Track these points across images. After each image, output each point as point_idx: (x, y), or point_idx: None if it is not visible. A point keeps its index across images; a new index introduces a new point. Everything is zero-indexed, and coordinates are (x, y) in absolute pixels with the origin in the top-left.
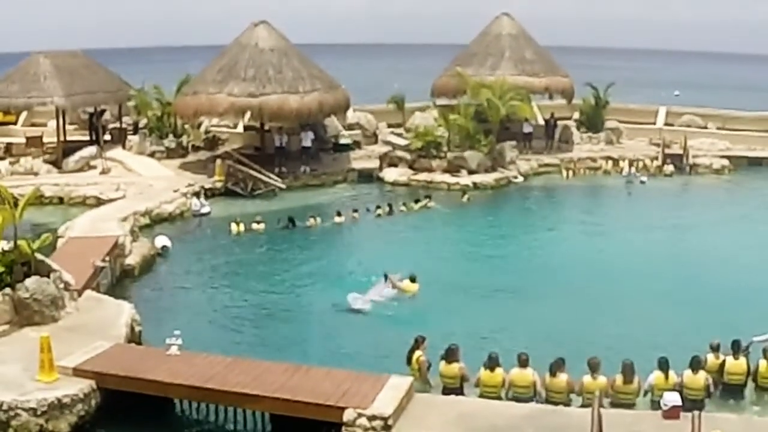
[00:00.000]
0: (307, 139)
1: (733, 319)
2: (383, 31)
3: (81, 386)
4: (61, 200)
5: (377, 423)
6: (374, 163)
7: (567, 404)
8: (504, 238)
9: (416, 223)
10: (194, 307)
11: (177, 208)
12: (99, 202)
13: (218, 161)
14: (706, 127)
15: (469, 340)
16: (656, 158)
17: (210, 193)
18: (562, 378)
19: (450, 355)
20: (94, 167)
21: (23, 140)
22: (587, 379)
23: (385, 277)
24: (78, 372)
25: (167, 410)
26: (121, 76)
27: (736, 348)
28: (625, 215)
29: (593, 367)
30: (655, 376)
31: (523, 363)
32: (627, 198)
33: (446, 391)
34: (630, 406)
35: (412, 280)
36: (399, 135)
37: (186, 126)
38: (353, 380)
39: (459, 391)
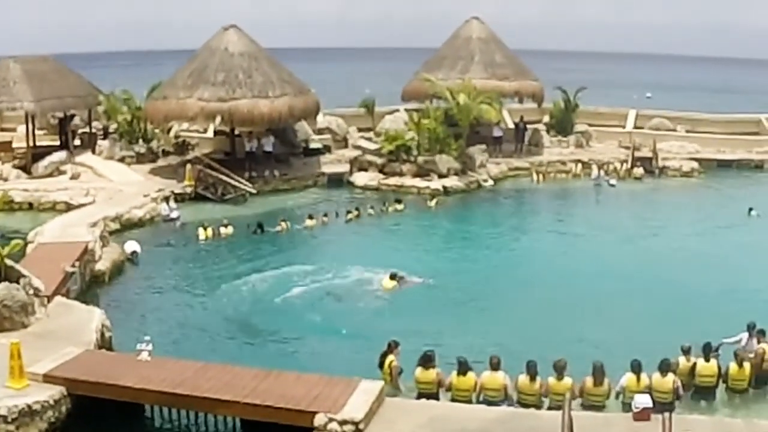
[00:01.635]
0: (269, 144)
1: (702, 322)
2: (354, 35)
3: (51, 392)
4: (30, 206)
5: (348, 427)
6: (344, 168)
7: (539, 407)
8: (473, 242)
9: (386, 227)
10: (164, 313)
11: (147, 213)
12: (69, 207)
13: (188, 166)
14: (675, 130)
15: (439, 343)
16: (626, 161)
17: (180, 198)
18: (539, 381)
19: (427, 361)
20: (64, 172)
21: None
22: (552, 380)
23: (394, 277)
24: (48, 378)
25: (138, 416)
26: (91, 81)
27: (707, 350)
28: (594, 219)
29: (559, 369)
30: (627, 378)
31: (494, 366)
32: (596, 201)
33: (421, 396)
34: (600, 408)
35: (392, 277)
36: (369, 139)
37: (156, 131)
38: (324, 384)
39: (435, 397)
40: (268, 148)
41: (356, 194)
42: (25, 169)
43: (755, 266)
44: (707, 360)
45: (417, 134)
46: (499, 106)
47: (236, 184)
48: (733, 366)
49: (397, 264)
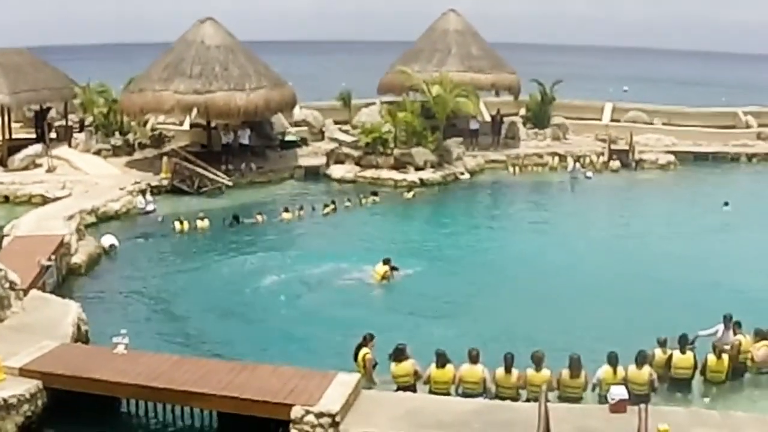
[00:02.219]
0: (245, 137)
1: (678, 314)
2: (331, 28)
3: (27, 386)
4: (6, 199)
5: (325, 420)
6: (321, 160)
7: (516, 399)
8: (450, 235)
9: (362, 220)
10: (140, 306)
11: (123, 206)
12: (45, 200)
13: (165, 159)
14: (652, 123)
15: (416, 336)
16: (602, 154)
17: (156, 191)
18: (515, 373)
19: (399, 355)
20: (40, 165)
21: None
22: (530, 372)
23: (387, 262)
24: (24, 372)
25: (114, 409)
26: (69, 74)
27: (683, 342)
28: (570, 212)
29: (537, 361)
30: (604, 371)
31: (473, 359)
32: (572, 194)
33: (399, 390)
34: (577, 400)
35: (385, 262)
36: (346, 132)
37: (132, 123)
38: (300, 377)
39: (412, 389)
40: (245, 140)
41: (333, 187)
42: (1, 162)
43: (730, 259)
44: (683, 352)
45: (393, 127)
46: (477, 99)
47: (213, 176)
48: (711, 357)
49: (373, 257)
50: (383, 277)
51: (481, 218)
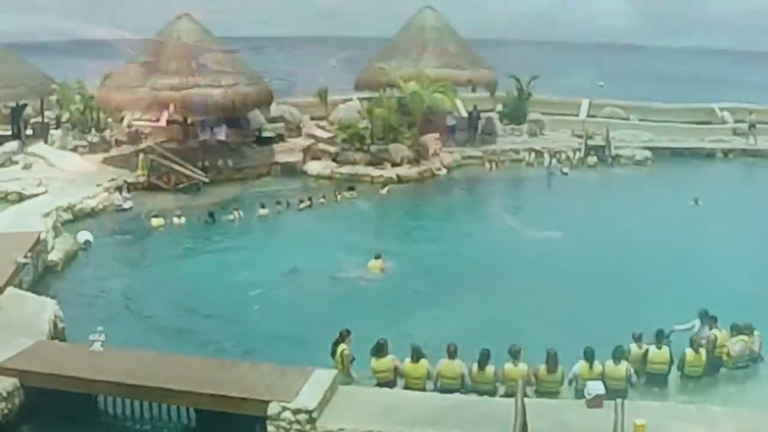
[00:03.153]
0: (222, 133)
1: (654, 309)
2: (307, 23)
3: (4, 384)
4: None
5: (302, 416)
6: (298, 157)
7: (492, 394)
8: (424, 231)
9: (338, 216)
10: (117, 303)
11: (100, 203)
12: (21, 197)
13: (141, 155)
14: (628, 119)
15: (394, 331)
16: (579, 150)
17: (133, 188)
18: (491, 369)
19: (380, 350)
20: (16, 162)
21: None
22: (508, 366)
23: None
24: (0, 370)
25: (92, 407)
26: (46, 70)
27: (660, 337)
28: (546, 207)
29: (514, 354)
30: (580, 366)
31: (451, 354)
32: (548, 189)
33: (379, 385)
34: (554, 395)
35: (377, 257)
36: (323, 128)
37: (109, 120)
38: (278, 374)
39: (393, 385)
40: (221, 137)
41: (310, 183)
42: None
43: (704, 255)
44: (659, 347)
45: (370, 123)
46: (453, 95)
47: (189, 173)
48: (689, 352)
49: (349, 252)
50: (381, 269)
51: (457, 214)
